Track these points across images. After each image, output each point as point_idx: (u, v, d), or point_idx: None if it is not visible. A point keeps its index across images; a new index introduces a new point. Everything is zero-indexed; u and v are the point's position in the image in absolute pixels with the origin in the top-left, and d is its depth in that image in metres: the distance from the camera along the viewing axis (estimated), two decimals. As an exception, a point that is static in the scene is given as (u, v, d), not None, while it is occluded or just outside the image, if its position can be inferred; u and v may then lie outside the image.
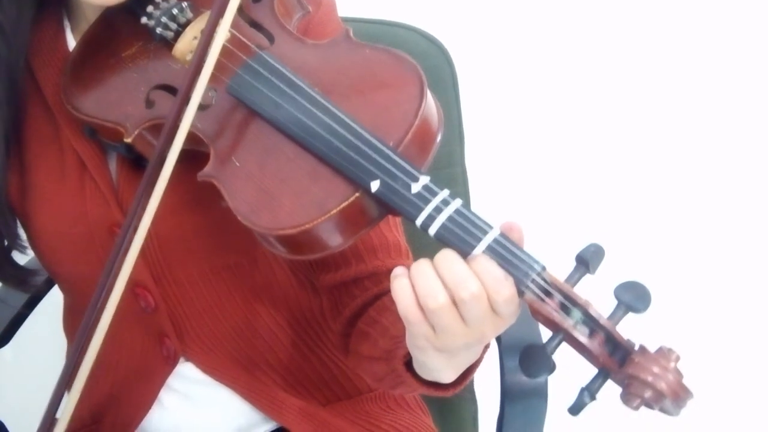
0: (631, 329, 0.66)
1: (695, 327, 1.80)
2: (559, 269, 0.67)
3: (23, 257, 1.01)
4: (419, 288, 0.67)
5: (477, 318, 0.67)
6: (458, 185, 1.23)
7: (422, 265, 0.68)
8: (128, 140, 0.83)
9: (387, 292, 0.88)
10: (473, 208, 0.68)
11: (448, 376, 0.77)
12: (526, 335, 0.72)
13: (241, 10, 0.87)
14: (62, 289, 1.05)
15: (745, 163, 1.82)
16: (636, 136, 1.80)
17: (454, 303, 0.67)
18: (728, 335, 1.83)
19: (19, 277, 1.01)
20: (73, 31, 0.96)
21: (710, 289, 1.84)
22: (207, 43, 0.78)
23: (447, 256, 0.67)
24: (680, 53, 1.76)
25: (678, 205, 1.83)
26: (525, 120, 1.77)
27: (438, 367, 0.75)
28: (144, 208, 0.78)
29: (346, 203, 0.71)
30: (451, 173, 1.22)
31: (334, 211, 0.71)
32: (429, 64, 1.19)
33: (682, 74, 1.77)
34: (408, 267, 0.70)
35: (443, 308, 0.67)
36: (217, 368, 0.98)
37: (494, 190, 1.61)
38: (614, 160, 1.81)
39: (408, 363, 0.81)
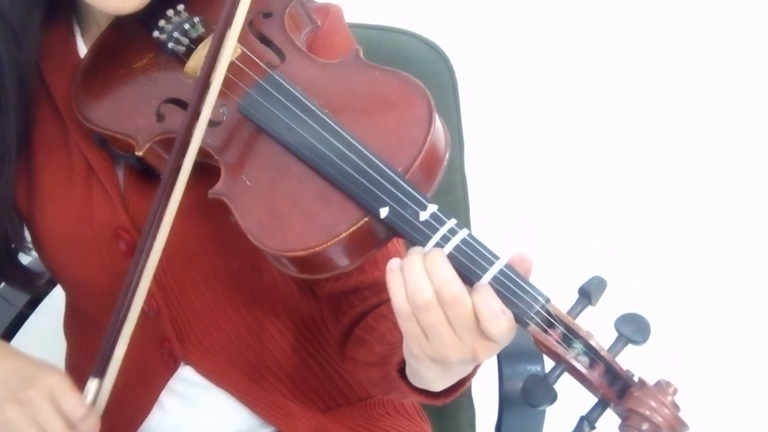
0: (630, 359, 0.68)
1: (693, 358, 1.81)
2: (556, 273, 0.68)
3: (26, 258, 1.02)
4: (408, 283, 0.69)
5: (463, 325, 0.68)
6: (458, 192, 1.21)
7: (413, 261, 0.69)
8: (139, 153, 0.83)
9: (386, 301, 0.89)
10: (472, 215, 0.68)
11: (439, 385, 0.79)
12: (525, 342, 0.73)
13: (251, 24, 0.87)
14: (65, 289, 1.06)
15: (749, 193, 1.81)
16: (633, 148, 1.80)
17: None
18: (727, 367, 1.83)
19: (25, 279, 1.02)
20: (83, 36, 0.96)
21: (710, 320, 1.84)
22: (214, 58, 0.78)
23: (434, 256, 0.68)
24: (680, 79, 1.76)
25: (681, 235, 1.83)
26: (525, 127, 1.77)
27: (432, 378, 0.76)
28: (156, 234, 0.79)
29: (355, 227, 0.72)
30: (450, 180, 1.21)
31: (344, 234, 0.72)
32: (429, 71, 1.20)
33: (686, 98, 1.77)
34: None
35: (430, 305, 0.68)
36: (217, 372, 0.99)
37: (494, 198, 1.61)
38: (614, 174, 1.81)
39: (402, 370, 0.82)
